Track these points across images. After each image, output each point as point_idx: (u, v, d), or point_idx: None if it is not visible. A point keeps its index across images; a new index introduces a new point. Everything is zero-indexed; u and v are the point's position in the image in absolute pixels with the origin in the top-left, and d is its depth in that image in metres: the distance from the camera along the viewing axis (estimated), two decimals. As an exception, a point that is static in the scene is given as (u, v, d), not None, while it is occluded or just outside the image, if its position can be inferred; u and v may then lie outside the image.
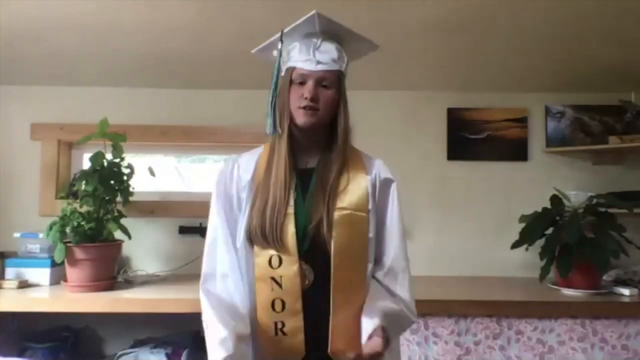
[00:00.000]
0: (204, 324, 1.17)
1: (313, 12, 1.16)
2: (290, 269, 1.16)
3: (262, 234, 1.16)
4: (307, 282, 1.17)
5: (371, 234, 1.21)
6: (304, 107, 1.17)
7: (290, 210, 1.17)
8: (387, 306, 1.16)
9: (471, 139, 2.51)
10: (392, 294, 1.21)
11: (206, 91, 2.51)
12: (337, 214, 1.16)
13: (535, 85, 2.49)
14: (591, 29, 1.99)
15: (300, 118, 1.18)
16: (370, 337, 1.10)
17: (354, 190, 1.20)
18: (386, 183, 1.26)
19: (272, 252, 1.17)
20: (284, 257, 1.16)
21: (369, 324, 1.12)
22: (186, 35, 2.06)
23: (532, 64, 2.29)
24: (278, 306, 1.16)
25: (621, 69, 2.29)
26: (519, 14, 1.90)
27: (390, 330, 1.14)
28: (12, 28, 1.99)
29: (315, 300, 1.16)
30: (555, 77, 2.41)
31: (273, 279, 1.16)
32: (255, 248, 1.19)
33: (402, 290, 1.22)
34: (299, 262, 1.16)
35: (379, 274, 1.24)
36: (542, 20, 1.94)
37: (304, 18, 1.17)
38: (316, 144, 1.25)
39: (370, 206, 1.21)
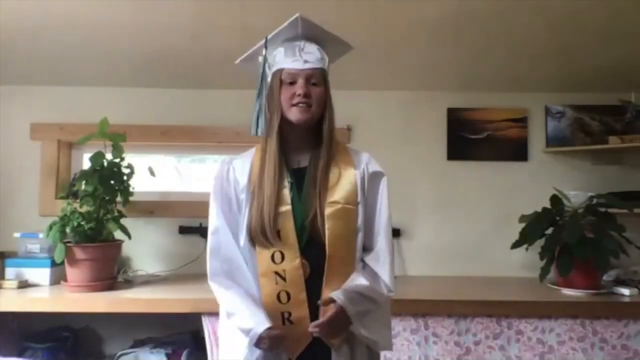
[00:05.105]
0: (224, 315, 1.23)
1: (296, 15, 1.23)
2: (292, 263, 1.22)
3: (262, 233, 1.21)
4: (305, 275, 1.23)
5: (360, 224, 1.27)
6: (298, 104, 1.22)
7: (288, 207, 1.23)
8: (355, 284, 1.22)
9: (471, 139, 2.51)
10: (373, 274, 1.27)
11: (206, 91, 2.51)
12: (329, 208, 1.23)
13: (535, 85, 2.49)
14: (591, 29, 1.99)
15: (295, 115, 1.23)
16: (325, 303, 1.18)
17: (344, 184, 1.26)
18: (376, 176, 1.32)
19: (274, 248, 1.22)
20: (285, 253, 1.22)
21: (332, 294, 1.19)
22: (186, 35, 2.06)
23: (532, 64, 2.29)
24: (283, 298, 1.22)
25: (621, 69, 2.29)
26: (519, 14, 1.91)
27: (354, 304, 1.19)
28: (12, 28, 1.99)
29: (315, 289, 1.22)
30: (555, 77, 2.41)
31: (277, 273, 1.22)
32: (257, 247, 1.24)
33: (382, 269, 1.28)
34: (300, 256, 1.22)
35: (367, 257, 1.30)
36: (541, 20, 1.94)
37: (287, 22, 1.24)
38: (307, 143, 1.29)
39: (359, 199, 1.27)
